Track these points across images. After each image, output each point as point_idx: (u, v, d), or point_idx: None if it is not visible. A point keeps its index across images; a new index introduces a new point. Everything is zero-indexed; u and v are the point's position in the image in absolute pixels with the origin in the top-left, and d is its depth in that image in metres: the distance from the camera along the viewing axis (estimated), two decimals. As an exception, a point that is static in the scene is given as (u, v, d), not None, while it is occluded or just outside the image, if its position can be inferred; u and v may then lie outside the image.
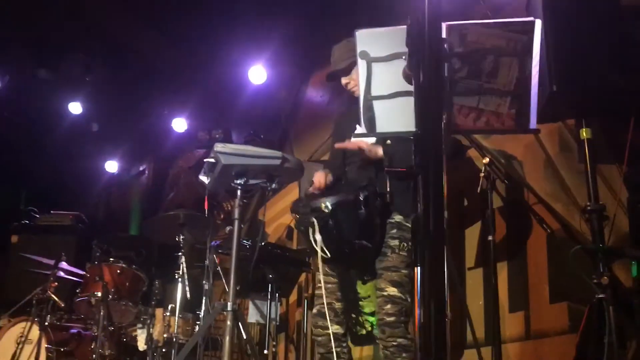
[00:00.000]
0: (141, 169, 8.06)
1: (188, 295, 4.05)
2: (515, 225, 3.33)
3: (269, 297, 4.23)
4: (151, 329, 4.13)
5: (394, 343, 2.69)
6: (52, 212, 6.60)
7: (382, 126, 2.13)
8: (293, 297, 4.95)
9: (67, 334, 4.30)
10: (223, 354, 2.76)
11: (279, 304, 4.45)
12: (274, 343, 4.38)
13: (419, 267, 1.16)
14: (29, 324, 3.98)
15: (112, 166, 7.93)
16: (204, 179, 3.09)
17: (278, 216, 5.58)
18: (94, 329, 4.13)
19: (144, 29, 5.71)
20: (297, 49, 5.27)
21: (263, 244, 4.15)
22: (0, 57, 6.41)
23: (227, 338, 2.84)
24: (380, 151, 2.84)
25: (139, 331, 4.19)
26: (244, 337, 3.41)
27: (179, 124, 6.70)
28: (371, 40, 2.10)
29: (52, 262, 4.29)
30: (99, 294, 4.01)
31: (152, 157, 7.87)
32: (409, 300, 2.74)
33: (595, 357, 2.30)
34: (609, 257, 2.39)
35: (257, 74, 5.52)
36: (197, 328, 4.24)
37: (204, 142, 6.18)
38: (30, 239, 6.20)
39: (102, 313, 3.87)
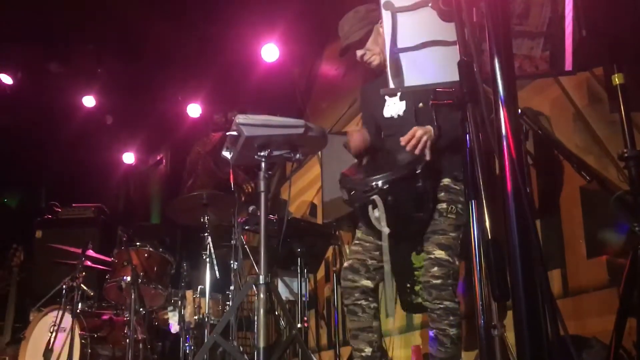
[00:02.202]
0: (158, 158, 8.06)
1: (217, 275, 4.04)
2: (547, 182, 3.26)
3: (298, 272, 4.21)
4: (182, 311, 4.13)
5: (441, 306, 2.65)
6: (73, 205, 6.62)
7: (410, 79, 2.07)
8: (321, 273, 4.92)
9: (99, 320, 4.31)
10: (258, 327, 2.74)
11: (307, 280, 4.43)
12: (306, 319, 4.36)
13: (473, 201, 1.10)
14: (60, 312, 3.98)
15: (129, 157, 7.94)
16: (227, 154, 3.05)
17: (300, 194, 5.54)
18: (126, 314, 4.13)
19: (152, 15, 5.65)
20: (308, 24, 5.19)
21: (289, 218, 4.11)
22: (11, 53, 6.41)
23: (262, 311, 2.82)
24: (430, 128, 2.71)
25: (170, 314, 4.19)
26: (278, 308, 3.39)
27: (194, 110, 6.67)
28: (395, -11, 2.04)
29: (79, 250, 4.29)
30: (129, 278, 4.01)
31: (168, 145, 7.86)
32: (457, 263, 2.70)
33: (642, 306, 2.24)
34: (652, 202, 2.31)
35: (270, 52, 5.45)
36: (227, 308, 4.23)
37: (219, 125, 6.15)
38: (53, 233, 6.22)
39: (132, 297, 3.86)
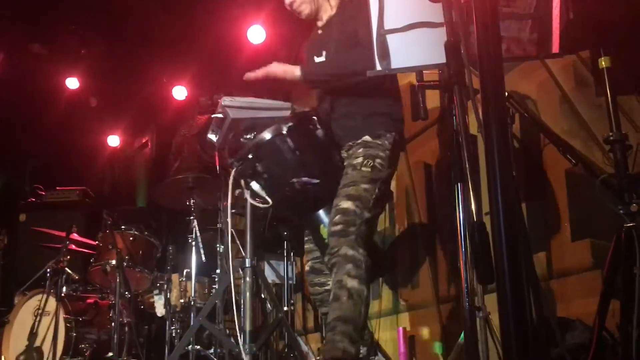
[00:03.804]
0: (144, 140, 7.98)
1: (203, 259, 4.03)
2: (532, 165, 3.27)
3: (284, 256, 4.21)
4: (168, 295, 4.12)
5: (339, 253, 2.38)
6: (57, 188, 6.55)
7: (398, 61, 2.05)
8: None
9: (84, 303, 4.28)
10: (244, 311, 2.74)
11: (294, 263, 4.43)
12: (292, 302, 4.37)
13: (459, 184, 1.09)
14: (44, 295, 3.95)
15: (114, 140, 7.86)
16: (212, 137, 3.02)
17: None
18: (111, 297, 4.11)
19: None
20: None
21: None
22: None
23: (248, 294, 2.81)
24: (297, 71, 2.66)
25: (156, 297, 4.18)
26: (265, 292, 3.39)
27: (179, 92, 6.59)
28: (382, -30, 2.01)
29: (63, 233, 4.25)
30: (114, 261, 3.98)
31: (153, 128, 7.78)
32: (366, 216, 2.46)
33: (625, 288, 2.27)
34: (637, 185, 2.32)
35: (256, 33, 5.39)
36: (213, 291, 4.22)
37: (205, 108, 6.07)
38: (38, 216, 6.16)
39: (117, 280, 3.84)
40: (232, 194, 2.56)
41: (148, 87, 6.94)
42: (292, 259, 4.34)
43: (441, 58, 1.64)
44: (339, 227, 2.42)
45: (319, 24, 2.91)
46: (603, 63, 2.48)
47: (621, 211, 2.30)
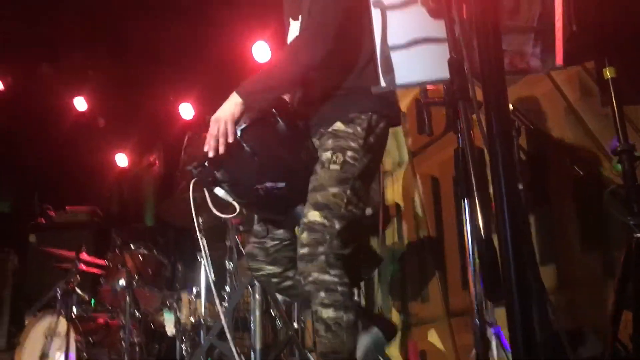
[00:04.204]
0: (151, 159, 8.03)
1: (212, 277, 4.03)
2: (540, 177, 3.26)
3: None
4: (178, 313, 4.12)
5: (309, 279, 2.07)
6: (67, 208, 6.60)
7: (402, 77, 2.06)
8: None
9: (95, 324, 4.29)
10: (254, 328, 2.74)
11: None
12: (302, 318, 4.36)
13: (466, 200, 1.10)
14: (55, 317, 3.96)
15: (122, 159, 7.91)
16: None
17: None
18: (121, 317, 4.12)
19: (141, 15, 5.62)
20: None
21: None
22: (0, 59, 6.38)
23: (258, 312, 2.83)
24: (234, 98, 2.18)
25: (166, 316, 4.18)
26: (275, 309, 3.39)
27: (186, 110, 6.64)
28: (385, -13, 2.03)
29: (72, 254, 4.27)
30: (123, 281, 3.99)
31: (161, 146, 7.82)
32: (337, 227, 2.11)
33: (637, 299, 2.25)
34: (646, 195, 2.31)
35: (261, 50, 5.44)
36: (223, 309, 4.22)
37: (212, 126, 6.11)
38: (47, 236, 6.20)
39: (127, 300, 3.85)
40: (193, 202, 2.26)
41: (155, 106, 7.00)
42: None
43: (446, 73, 1.66)
44: (305, 250, 2.09)
45: None
46: (608, 73, 2.48)
47: (631, 222, 2.28)
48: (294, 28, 2.36)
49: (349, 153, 2.19)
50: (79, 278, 4.20)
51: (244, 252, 2.97)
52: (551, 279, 3.12)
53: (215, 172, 2.15)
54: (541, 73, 2.03)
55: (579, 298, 2.99)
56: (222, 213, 2.30)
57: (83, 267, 4.38)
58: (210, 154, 2.10)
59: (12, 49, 6.19)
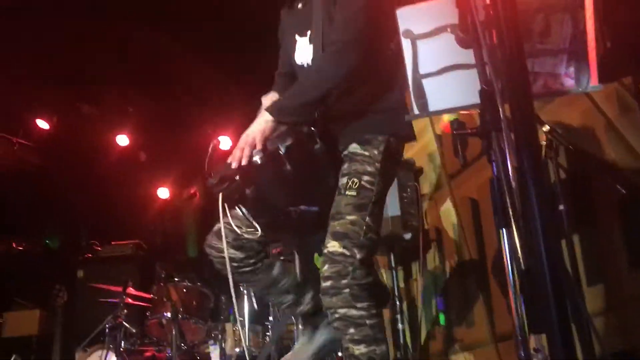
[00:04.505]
0: (192, 191, 8.17)
1: (255, 307, 4.06)
2: (583, 196, 3.20)
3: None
4: (223, 345, 4.15)
5: (336, 315, 2.01)
6: (112, 243, 6.75)
7: (435, 104, 2.08)
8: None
9: (142, 357, 4.36)
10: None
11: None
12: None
13: (504, 230, 1.10)
14: (104, 351, 4.04)
15: (164, 192, 8.07)
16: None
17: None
18: (168, 349, 4.17)
19: (179, 51, 5.79)
20: (383, 9, 5.23)
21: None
22: (46, 99, 6.64)
23: (301, 341, 2.83)
24: (266, 116, 2.13)
25: (211, 348, 4.22)
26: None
27: (225, 142, 6.76)
28: (413, 17, 2.05)
29: (119, 288, 4.37)
30: (169, 314, 4.06)
31: (201, 178, 7.97)
32: (358, 256, 2.03)
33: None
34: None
35: (295, 80, 5.51)
36: (267, 339, 4.24)
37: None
38: (94, 271, 6.34)
39: (173, 333, 3.90)
40: (224, 221, 2.16)
41: (194, 139, 7.15)
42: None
43: (478, 98, 1.66)
44: (328, 284, 2.02)
45: None
46: (646, 89, 2.45)
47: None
48: (302, 44, 2.28)
49: (365, 177, 2.13)
50: (126, 312, 4.28)
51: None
52: (600, 300, 3.04)
53: (246, 189, 2.03)
54: (576, 93, 2.02)
55: (629, 318, 2.90)
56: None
57: (130, 300, 4.47)
58: (234, 165, 2.05)
59: (56, 89, 6.45)
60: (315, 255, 2.33)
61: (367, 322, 2.00)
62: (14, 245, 7.18)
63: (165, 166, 7.83)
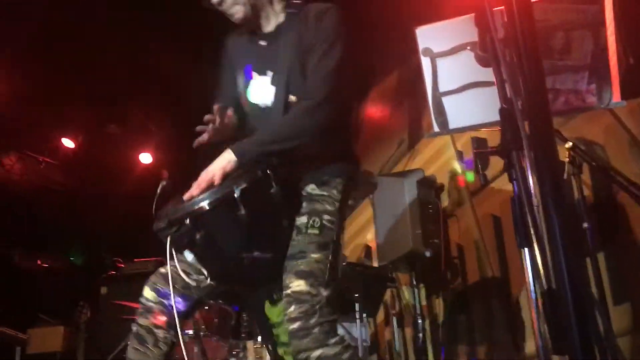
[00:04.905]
0: (214, 208, 8.21)
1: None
2: (608, 213, 3.16)
3: (357, 317, 4.18)
4: (244, 362, 4.14)
5: (313, 358, 1.95)
6: (135, 260, 6.80)
7: (455, 122, 2.08)
8: (380, 316, 4.86)
9: (164, 375, 4.36)
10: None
11: (367, 324, 4.38)
12: (367, 364, 4.30)
13: (526, 249, 1.09)
14: (127, 368, 4.05)
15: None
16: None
17: (353, 237, 5.54)
18: (189, 367, 4.17)
19: (197, 70, 5.86)
20: (353, 68, 5.27)
21: (344, 263, 4.11)
22: (72, 119, 6.78)
23: None
24: (228, 155, 2.05)
25: (232, 365, 4.21)
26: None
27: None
28: (433, 36, 2.07)
29: (141, 306, 4.38)
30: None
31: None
32: (324, 294, 1.98)
33: None
34: None
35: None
36: (288, 357, 4.22)
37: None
38: (117, 288, 6.38)
39: (195, 350, 3.91)
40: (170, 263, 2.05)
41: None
42: (364, 320, 4.30)
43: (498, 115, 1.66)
44: (296, 325, 1.94)
45: (260, 31, 2.25)
46: (670, 104, 2.42)
47: None
48: (260, 83, 2.20)
49: (326, 217, 2.09)
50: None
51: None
52: (626, 319, 2.98)
53: (197, 233, 1.91)
54: (598, 109, 2.01)
55: (658, 338, 2.84)
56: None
57: (152, 318, 4.49)
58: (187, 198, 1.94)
59: (82, 109, 6.58)
60: (266, 304, 2.23)
61: (344, 356, 1.97)
62: (39, 262, 7.29)
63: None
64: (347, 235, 5.40)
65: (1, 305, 6.54)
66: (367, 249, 5.24)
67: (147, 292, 2.20)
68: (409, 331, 4.58)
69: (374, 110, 5.67)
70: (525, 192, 1.13)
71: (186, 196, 1.98)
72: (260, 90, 2.19)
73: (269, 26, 2.21)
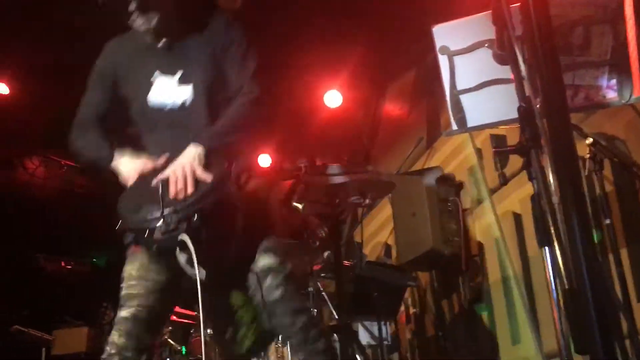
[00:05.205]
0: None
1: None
2: (630, 208, 3.12)
3: (377, 316, 4.17)
4: (266, 362, 4.16)
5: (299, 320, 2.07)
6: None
7: (473, 120, 2.07)
8: (401, 313, 4.86)
9: (187, 374, 4.40)
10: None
11: (387, 323, 4.38)
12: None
13: (546, 248, 1.08)
14: (150, 368, 4.10)
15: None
16: (298, 205, 3.12)
17: (373, 236, 5.53)
18: (212, 367, 4.20)
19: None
20: (370, 67, 5.27)
21: (364, 263, 4.11)
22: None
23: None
24: (196, 148, 2.02)
25: (254, 364, 4.23)
26: (359, 354, 3.37)
27: (264, 160, 6.83)
28: (450, 34, 2.06)
29: (163, 306, 4.43)
30: (211, 331, 4.09)
31: (242, 196, 8.05)
32: (288, 266, 2.13)
33: None
34: None
35: (333, 98, 5.56)
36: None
37: (289, 173, 6.25)
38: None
39: (217, 350, 3.93)
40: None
41: (234, 158, 7.25)
42: (385, 319, 4.30)
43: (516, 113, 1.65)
44: (280, 291, 2.08)
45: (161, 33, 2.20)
46: (693, 97, 2.37)
47: None
48: (165, 83, 2.17)
49: None
50: (170, 329, 4.34)
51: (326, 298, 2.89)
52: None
53: (203, 229, 1.92)
54: (619, 104, 1.98)
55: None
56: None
57: (174, 318, 4.53)
58: (188, 191, 1.93)
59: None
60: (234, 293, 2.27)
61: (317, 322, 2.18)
62: (63, 264, 7.38)
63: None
64: (366, 234, 5.40)
65: (27, 307, 6.66)
66: (387, 247, 5.23)
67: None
68: (430, 330, 4.57)
69: (391, 108, 5.66)
70: (545, 190, 1.12)
71: (174, 194, 1.94)
72: (166, 90, 2.17)
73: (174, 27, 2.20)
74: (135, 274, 2.18)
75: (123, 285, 2.21)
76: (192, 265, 1.93)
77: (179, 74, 2.16)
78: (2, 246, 6.64)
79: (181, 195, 1.94)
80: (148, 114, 2.18)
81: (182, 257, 1.96)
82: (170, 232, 1.93)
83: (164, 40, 2.18)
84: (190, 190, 1.94)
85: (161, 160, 2.05)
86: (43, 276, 7.23)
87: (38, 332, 5.93)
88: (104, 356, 2.07)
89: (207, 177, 1.96)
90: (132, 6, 2.05)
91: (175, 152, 2.02)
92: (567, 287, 0.97)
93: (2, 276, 6.63)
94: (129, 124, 2.29)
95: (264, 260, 2.09)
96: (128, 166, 2.16)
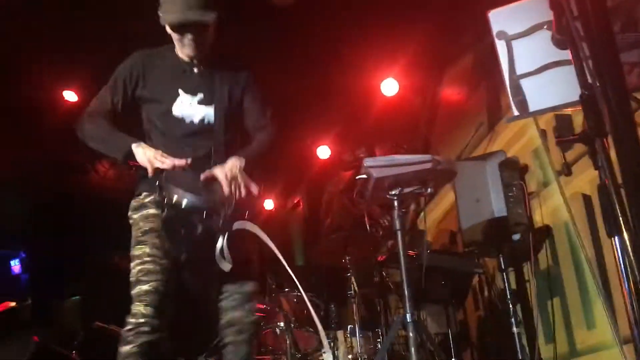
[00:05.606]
0: (296, 201, 8.37)
1: (363, 313, 4.10)
2: None
3: (445, 304, 4.16)
4: (336, 352, 4.23)
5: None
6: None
7: (535, 104, 2.02)
8: (469, 301, 4.80)
9: (260, 366, 4.51)
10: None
11: (456, 310, 4.35)
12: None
13: (617, 237, 1.06)
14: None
15: (269, 204, 8.34)
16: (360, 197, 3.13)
17: (437, 224, 5.48)
18: (283, 358, 4.30)
19: (276, 66, 5.96)
20: (426, 53, 5.21)
21: (429, 251, 4.09)
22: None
23: (413, 350, 2.83)
24: (240, 162, 2.42)
25: (324, 355, 4.30)
26: (429, 346, 3.37)
27: (323, 151, 6.89)
28: (507, 18, 2.02)
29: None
30: (282, 323, 4.19)
31: (303, 188, 8.14)
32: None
33: None
34: None
35: (390, 86, 5.53)
36: (379, 345, 4.26)
37: (349, 163, 6.28)
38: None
39: (288, 342, 4.02)
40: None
41: (294, 150, 7.34)
42: (453, 306, 4.27)
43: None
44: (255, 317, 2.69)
45: (194, 60, 2.58)
46: None
47: None
48: (187, 100, 2.51)
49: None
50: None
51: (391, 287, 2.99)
52: None
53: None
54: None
55: None
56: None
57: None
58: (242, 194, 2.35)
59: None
60: None
61: None
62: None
63: (269, 178, 8.07)
64: (430, 222, 5.36)
65: (106, 304, 6.97)
66: (452, 234, 5.17)
67: None
68: (500, 317, 4.50)
69: (449, 94, 5.57)
70: (611, 179, 1.09)
71: (228, 192, 2.31)
72: (187, 107, 2.52)
73: (202, 57, 2.56)
74: (150, 252, 2.48)
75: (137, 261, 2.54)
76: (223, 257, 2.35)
77: (199, 96, 2.53)
78: (81, 247, 6.98)
79: (237, 196, 2.31)
80: (170, 121, 2.50)
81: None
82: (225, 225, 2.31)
83: (197, 67, 2.56)
84: (243, 193, 2.32)
85: (185, 162, 2.33)
86: (119, 274, 7.54)
87: (118, 327, 6.20)
88: (129, 327, 2.41)
89: (254, 187, 2.37)
90: (188, 37, 2.41)
91: (193, 157, 2.37)
92: (637, 275, 0.95)
93: (83, 275, 6.98)
94: (141, 124, 2.63)
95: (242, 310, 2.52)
96: (149, 153, 2.39)
